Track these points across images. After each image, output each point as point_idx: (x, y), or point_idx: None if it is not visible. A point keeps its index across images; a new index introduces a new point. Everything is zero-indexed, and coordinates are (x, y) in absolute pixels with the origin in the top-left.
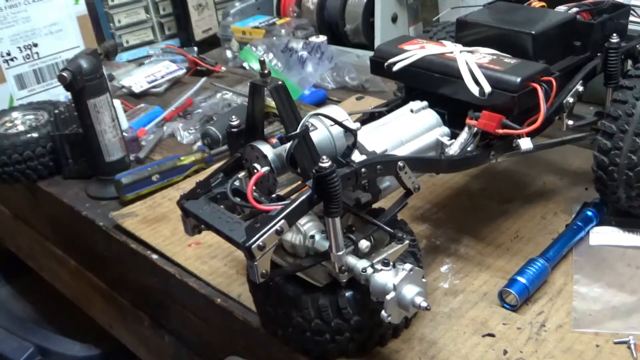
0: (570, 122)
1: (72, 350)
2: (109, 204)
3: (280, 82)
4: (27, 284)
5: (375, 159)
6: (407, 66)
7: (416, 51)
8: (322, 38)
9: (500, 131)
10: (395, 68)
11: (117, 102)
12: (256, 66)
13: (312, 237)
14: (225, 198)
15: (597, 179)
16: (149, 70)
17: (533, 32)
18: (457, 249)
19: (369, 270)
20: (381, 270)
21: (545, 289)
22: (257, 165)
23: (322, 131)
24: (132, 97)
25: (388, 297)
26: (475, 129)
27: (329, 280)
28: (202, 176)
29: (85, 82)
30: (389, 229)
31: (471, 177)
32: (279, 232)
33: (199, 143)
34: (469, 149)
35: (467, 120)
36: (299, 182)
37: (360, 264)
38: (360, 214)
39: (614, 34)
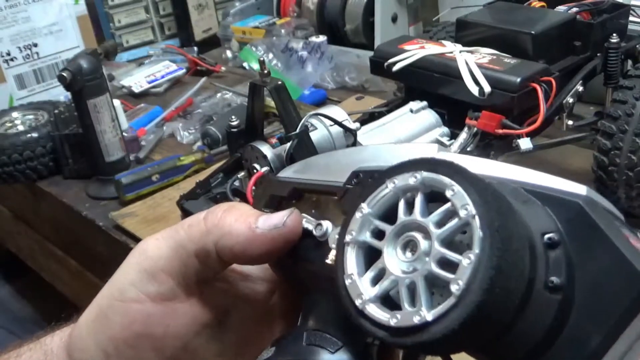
0: (570, 122)
1: None
2: (109, 204)
3: (280, 82)
4: (27, 284)
5: None
6: (407, 66)
7: (416, 51)
8: (322, 38)
9: (500, 131)
10: (395, 68)
11: (117, 102)
12: (256, 66)
13: None
14: (225, 198)
15: (597, 179)
16: (149, 70)
17: (533, 32)
18: None
19: None
20: None
21: None
22: (256, 165)
23: (321, 131)
24: (132, 97)
25: None
26: (475, 129)
27: None
28: (202, 176)
29: (85, 82)
30: None
31: None
32: None
33: (199, 143)
34: (468, 149)
35: (467, 121)
36: None
37: None
38: None
39: (614, 34)
